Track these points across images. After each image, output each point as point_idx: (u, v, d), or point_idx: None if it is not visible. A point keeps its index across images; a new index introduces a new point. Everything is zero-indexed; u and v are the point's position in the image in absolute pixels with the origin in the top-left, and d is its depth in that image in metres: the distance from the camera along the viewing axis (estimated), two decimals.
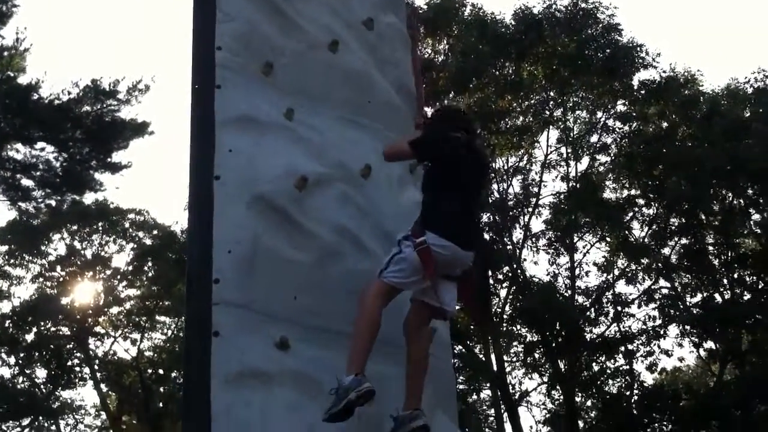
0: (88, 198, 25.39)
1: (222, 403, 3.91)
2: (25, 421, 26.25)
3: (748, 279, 21.67)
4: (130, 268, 27.85)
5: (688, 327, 21.48)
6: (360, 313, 4.19)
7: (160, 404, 27.59)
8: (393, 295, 4.32)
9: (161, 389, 28.03)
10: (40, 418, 26.35)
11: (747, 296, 21.40)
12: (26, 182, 23.01)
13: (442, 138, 4.62)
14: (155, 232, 27.62)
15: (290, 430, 4.00)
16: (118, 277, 27.95)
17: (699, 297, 21.96)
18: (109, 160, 22.71)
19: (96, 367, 27.03)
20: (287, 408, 4.08)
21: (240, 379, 4.01)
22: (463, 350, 21.61)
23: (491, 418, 25.70)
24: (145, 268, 27.79)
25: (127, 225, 27.77)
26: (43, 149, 22.05)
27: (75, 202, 24.37)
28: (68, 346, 26.78)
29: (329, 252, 4.60)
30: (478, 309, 4.98)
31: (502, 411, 23.32)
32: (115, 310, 28.09)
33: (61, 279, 26.87)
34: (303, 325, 4.37)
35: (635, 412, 21.13)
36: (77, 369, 26.75)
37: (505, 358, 22.49)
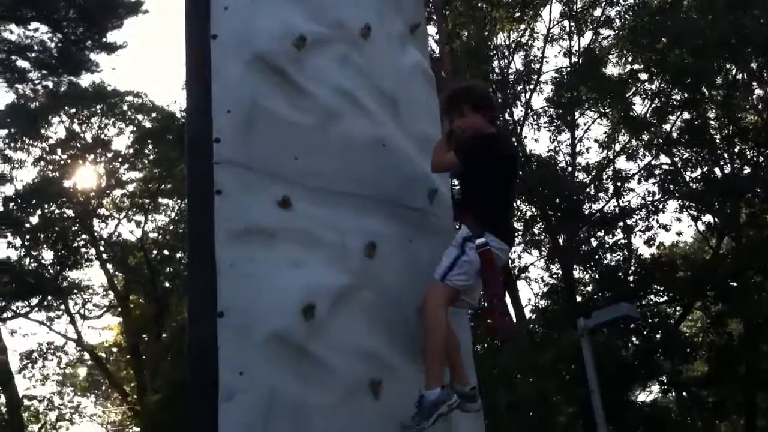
0: (85, 80, 25.16)
1: (227, 259, 4.00)
2: (34, 301, 26.80)
3: (748, 153, 21.67)
4: (131, 150, 27.83)
5: (687, 201, 21.64)
6: (429, 325, 4.17)
7: (166, 284, 28.09)
8: (454, 299, 4.33)
9: (167, 269, 28.48)
10: (49, 297, 26.86)
11: (746, 170, 21.46)
12: (22, 63, 22.78)
13: (484, 141, 4.56)
14: (154, 114, 27.45)
15: (293, 284, 4.08)
16: (119, 160, 27.96)
17: (699, 172, 22.05)
18: (104, 40, 22.41)
19: (101, 248, 27.40)
20: (291, 264, 4.16)
21: (244, 236, 4.08)
22: None
23: None
24: (146, 150, 27.76)
25: (125, 107, 27.56)
26: (36, 29, 21.73)
27: (72, 83, 24.16)
28: (73, 228, 27.04)
29: (329, 113, 4.58)
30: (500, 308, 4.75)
31: None
32: (117, 192, 28.26)
33: (63, 162, 26.89)
34: (304, 186, 4.40)
35: (632, 285, 21.54)
36: (83, 250, 27.08)
37: None
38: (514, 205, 4.83)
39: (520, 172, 21.57)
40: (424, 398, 3.95)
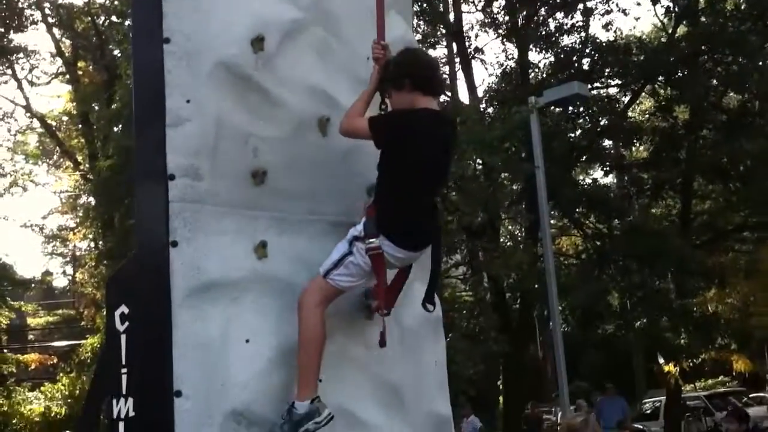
0: None
1: None
2: None
3: None
4: None
5: None
6: (303, 325, 3.72)
7: (116, 51, 27.28)
8: (336, 297, 3.90)
9: (116, 37, 27.58)
10: None
11: None
12: None
13: (410, 120, 3.89)
14: None
15: (243, 14, 3.97)
16: None
17: None
18: None
19: (47, 11, 26.32)
20: None
21: None
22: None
23: (445, 75, 26.10)
24: None
25: None
26: None
27: None
28: None
29: None
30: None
31: (456, 68, 23.74)
32: None
33: None
34: None
35: (586, 68, 21.59)
36: (27, 12, 25.97)
37: (463, 8, 22.36)
38: (434, 205, 4.17)
39: None
40: (293, 411, 3.61)
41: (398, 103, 4.00)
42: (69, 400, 21.21)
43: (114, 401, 3.56)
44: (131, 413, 3.50)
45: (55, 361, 27.71)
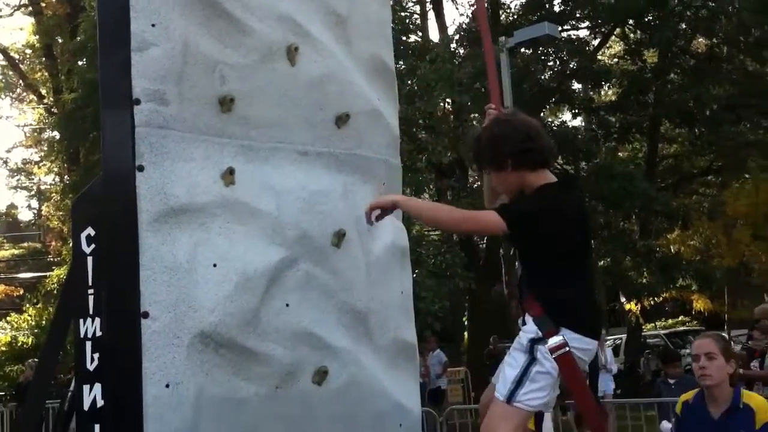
0: None
1: None
2: None
3: None
4: None
5: None
6: None
7: None
8: (527, 422, 3.36)
9: None
10: None
11: None
12: None
13: (546, 203, 3.31)
14: None
15: None
16: None
17: None
18: None
19: None
20: None
21: None
22: None
23: (416, 15, 25.87)
24: None
25: None
26: None
27: None
28: None
29: None
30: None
31: (428, 8, 23.56)
32: None
33: None
34: None
35: (557, 9, 21.50)
36: None
37: None
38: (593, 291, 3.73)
39: None
40: None
41: (506, 184, 3.47)
42: (36, 330, 21.27)
43: (81, 321, 3.61)
44: (98, 333, 3.56)
45: (21, 292, 27.69)
